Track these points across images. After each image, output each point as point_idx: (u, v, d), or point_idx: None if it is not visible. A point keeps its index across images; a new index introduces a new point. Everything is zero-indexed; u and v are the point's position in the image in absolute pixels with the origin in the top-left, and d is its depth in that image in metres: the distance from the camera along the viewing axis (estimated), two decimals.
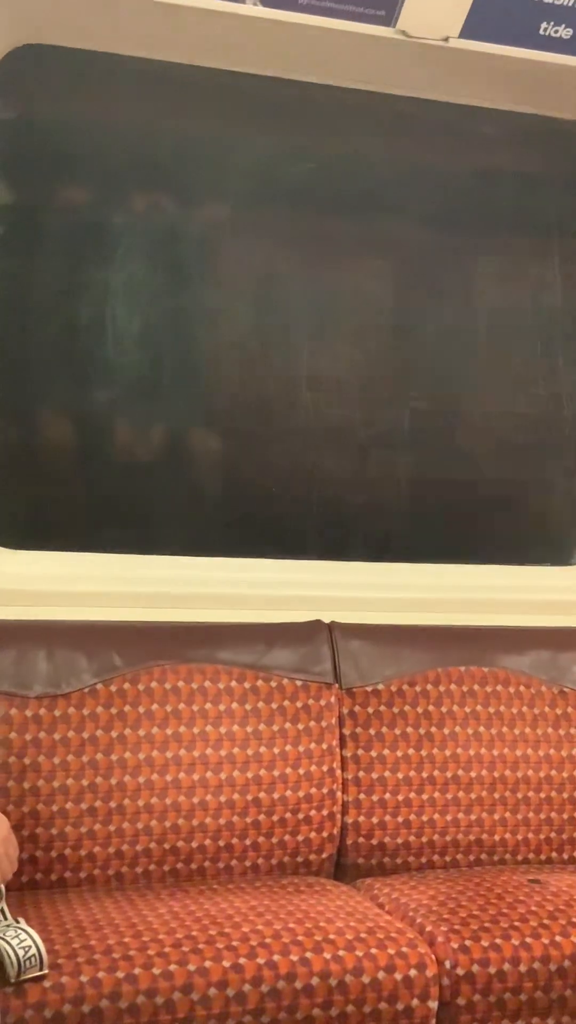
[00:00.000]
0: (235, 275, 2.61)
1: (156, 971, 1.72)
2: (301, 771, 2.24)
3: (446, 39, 2.36)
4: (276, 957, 1.78)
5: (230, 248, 2.60)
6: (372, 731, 2.31)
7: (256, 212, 2.60)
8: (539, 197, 2.75)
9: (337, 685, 2.34)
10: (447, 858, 2.30)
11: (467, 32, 2.35)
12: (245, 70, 2.45)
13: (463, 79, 2.48)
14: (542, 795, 2.37)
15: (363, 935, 1.86)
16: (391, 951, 1.84)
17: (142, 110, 2.51)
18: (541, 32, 2.38)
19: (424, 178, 2.68)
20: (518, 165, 2.73)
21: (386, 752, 2.31)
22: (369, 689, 2.35)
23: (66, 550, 2.46)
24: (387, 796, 2.28)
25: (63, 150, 2.45)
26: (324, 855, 2.24)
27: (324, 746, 2.27)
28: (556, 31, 2.38)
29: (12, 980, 1.64)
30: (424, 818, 2.29)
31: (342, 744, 2.30)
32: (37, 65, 2.36)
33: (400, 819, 2.28)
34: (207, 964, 1.75)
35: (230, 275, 2.61)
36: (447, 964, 1.87)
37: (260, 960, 1.77)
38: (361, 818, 2.27)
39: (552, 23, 2.38)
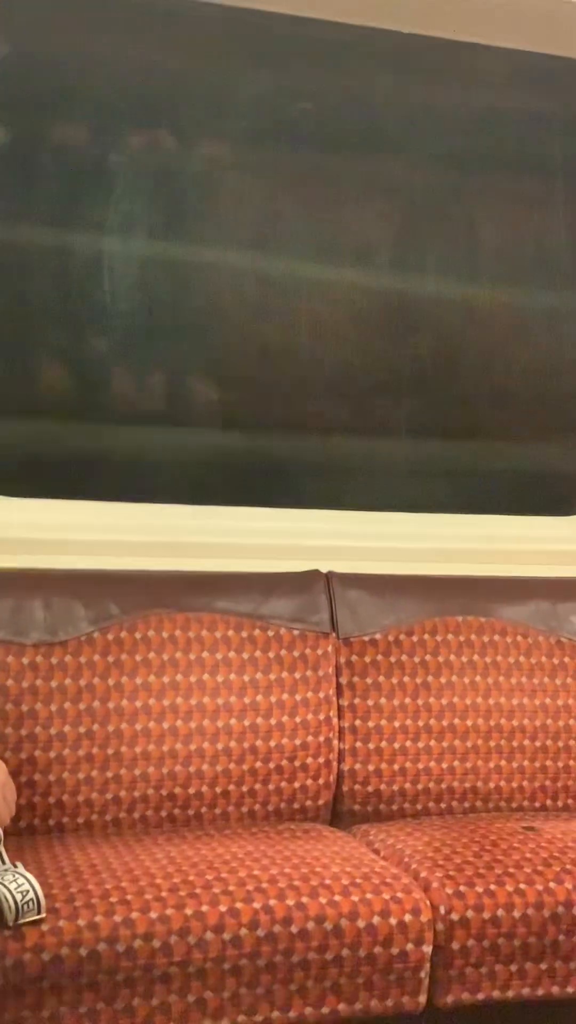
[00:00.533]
0: (233, 216, 2.56)
1: (153, 915, 1.73)
2: (298, 719, 2.24)
3: None
4: (272, 902, 1.80)
5: (228, 188, 2.54)
6: (369, 680, 2.32)
7: (254, 151, 2.54)
8: (544, 137, 2.70)
9: (334, 634, 2.34)
10: (442, 805, 2.32)
11: None
12: (244, 6, 2.38)
13: (468, 16, 2.42)
14: (537, 744, 2.38)
15: (358, 880, 1.88)
16: (386, 896, 1.86)
17: (137, 46, 2.44)
18: None
19: (426, 117, 2.62)
20: (523, 104, 2.67)
21: (383, 701, 2.31)
22: (366, 638, 2.35)
23: (63, 498, 2.44)
24: (383, 744, 2.29)
25: (58, 87, 2.40)
26: (320, 802, 2.26)
27: (321, 695, 2.28)
28: None
29: (10, 924, 1.66)
30: (420, 766, 2.30)
31: (339, 693, 2.30)
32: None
33: (396, 767, 2.29)
34: (204, 908, 1.76)
35: (227, 216, 2.56)
36: (441, 909, 1.88)
37: (256, 904, 1.79)
38: (357, 766, 2.28)
39: None
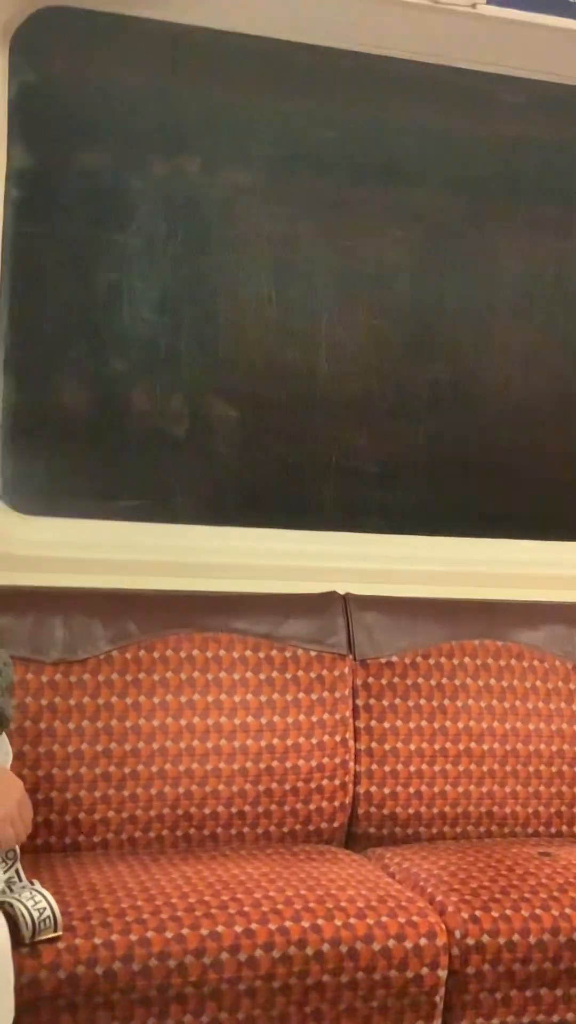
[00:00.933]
0: (254, 242, 2.59)
1: (169, 935, 1.74)
2: (314, 741, 2.25)
3: (474, 5, 2.33)
4: (288, 923, 1.80)
5: (250, 214, 2.57)
6: (385, 702, 2.32)
7: (276, 178, 2.57)
8: (565, 166, 2.72)
9: (351, 656, 2.34)
10: (458, 829, 2.31)
11: None
12: (268, 35, 2.42)
13: (491, 47, 2.45)
14: (553, 768, 2.38)
15: (374, 903, 1.88)
16: (401, 919, 1.86)
17: (162, 74, 2.48)
18: None
19: (447, 146, 2.65)
20: (544, 134, 2.69)
21: (399, 723, 2.31)
22: (383, 661, 2.35)
23: (83, 517, 2.46)
24: (399, 767, 2.29)
25: (84, 113, 2.43)
26: (335, 824, 2.26)
27: (337, 716, 2.28)
28: None
29: (27, 941, 1.66)
30: (435, 789, 2.30)
31: (355, 715, 2.31)
32: (59, 28, 2.33)
33: (412, 790, 2.29)
34: (219, 929, 1.76)
35: (249, 242, 2.59)
36: (457, 934, 1.88)
37: (272, 926, 1.79)
38: (373, 788, 2.28)
39: None
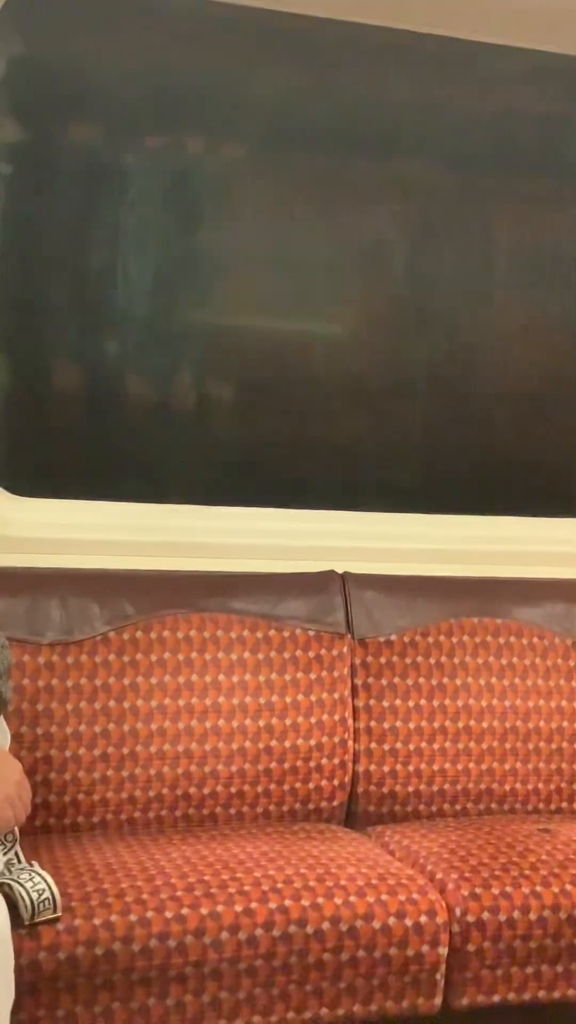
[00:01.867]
0: (249, 218, 2.56)
1: (168, 915, 1.74)
2: (313, 720, 2.24)
3: None
4: (287, 902, 1.80)
5: (242, 190, 2.55)
6: (384, 681, 2.32)
7: (269, 153, 2.54)
8: (561, 138, 2.69)
9: (349, 635, 2.33)
10: (457, 807, 2.31)
11: None
12: (260, 5, 2.38)
13: (486, 16, 2.41)
14: (553, 745, 2.37)
15: (374, 881, 1.88)
16: (402, 897, 1.86)
17: (153, 47, 2.45)
18: None
19: (443, 118, 2.62)
20: (539, 105, 2.67)
21: (398, 702, 2.31)
22: (382, 639, 2.34)
23: (79, 498, 2.45)
24: (398, 745, 2.29)
25: (75, 87, 2.40)
26: (335, 803, 2.25)
27: (336, 696, 2.27)
28: None
29: (26, 922, 1.66)
30: (435, 767, 2.30)
31: (354, 694, 2.30)
32: (47, 2, 2.30)
33: (411, 768, 2.29)
34: (219, 908, 1.76)
35: (244, 218, 2.56)
36: (457, 911, 1.88)
37: (272, 905, 1.79)
38: (372, 767, 2.27)
39: None
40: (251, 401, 2.66)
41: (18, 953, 1.62)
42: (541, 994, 1.91)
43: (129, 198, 2.49)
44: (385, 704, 2.30)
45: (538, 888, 1.93)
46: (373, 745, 2.28)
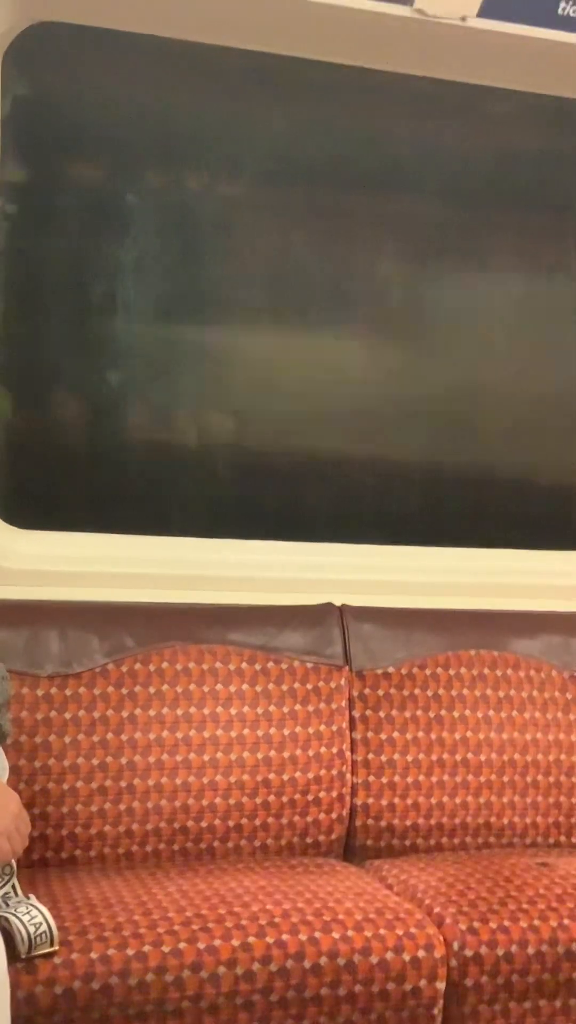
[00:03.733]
0: (248, 254, 2.60)
1: (166, 949, 1.73)
2: (311, 753, 2.24)
3: (463, 19, 2.34)
4: (285, 936, 1.79)
5: (243, 226, 2.58)
6: (382, 713, 2.32)
7: (270, 191, 2.58)
8: (556, 177, 2.73)
9: (347, 667, 2.34)
10: (456, 840, 2.31)
11: (485, 12, 2.33)
12: (260, 49, 2.43)
13: (480, 59, 2.46)
14: (551, 779, 2.37)
15: (372, 915, 1.87)
16: (399, 932, 1.85)
17: (155, 88, 2.49)
18: (560, 12, 2.36)
19: (439, 158, 2.66)
20: (535, 146, 2.71)
21: (396, 735, 2.31)
22: (379, 672, 2.35)
23: (79, 530, 2.46)
24: (396, 778, 2.29)
25: (77, 127, 2.44)
26: (333, 836, 2.25)
27: (334, 728, 2.28)
28: (574, 11, 2.36)
29: (23, 956, 1.65)
30: (433, 800, 2.29)
31: (352, 726, 2.30)
32: (52, 42, 2.35)
33: (409, 801, 2.28)
34: (216, 943, 1.76)
35: (243, 254, 2.60)
36: (455, 945, 1.87)
37: (269, 939, 1.78)
38: (370, 800, 2.27)
39: (571, 3, 2.35)
40: (250, 434, 2.67)
41: (15, 987, 1.62)
42: None
43: (130, 234, 2.52)
44: (383, 737, 2.30)
45: (536, 922, 1.92)
46: (371, 778, 2.28)
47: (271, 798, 2.20)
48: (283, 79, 2.51)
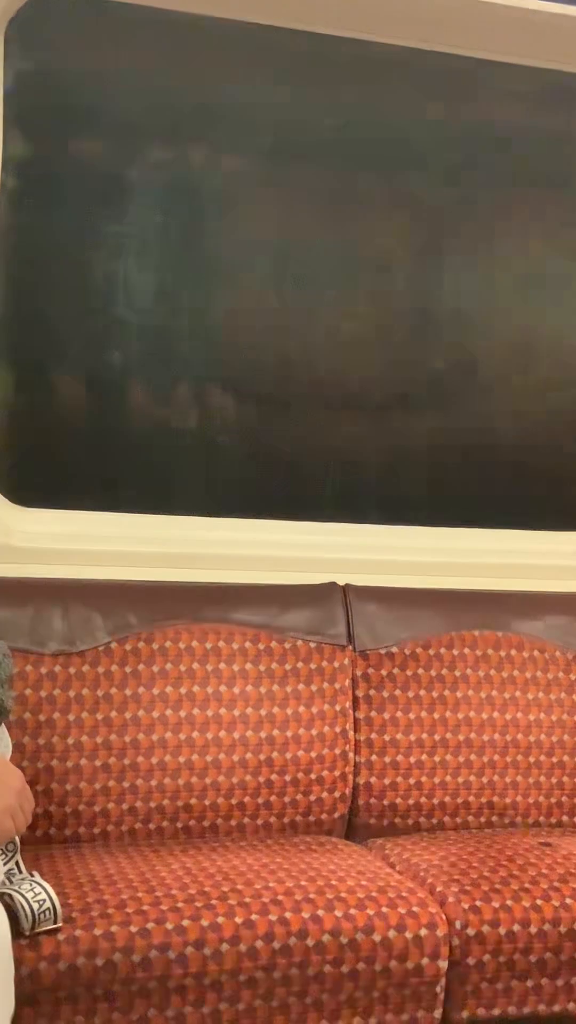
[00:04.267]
0: (253, 231, 2.58)
1: (169, 926, 1.74)
2: (314, 732, 2.24)
3: None
4: (288, 914, 1.80)
5: (249, 203, 2.56)
6: (385, 693, 2.32)
7: (275, 166, 2.56)
8: (564, 154, 2.70)
9: (351, 647, 2.34)
10: (458, 820, 2.31)
11: None
12: (266, 22, 2.40)
13: (489, 33, 2.43)
14: (554, 759, 2.37)
15: (374, 894, 1.88)
16: (402, 910, 1.86)
17: (159, 62, 2.46)
18: None
19: (445, 134, 2.63)
20: (542, 122, 2.68)
21: (399, 714, 2.31)
22: (383, 652, 2.35)
23: (82, 509, 2.46)
24: (399, 758, 2.29)
25: (81, 101, 2.42)
26: (336, 815, 2.25)
27: (337, 708, 2.28)
28: None
29: (27, 933, 1.66)
30: (435, 780, 2.30)
31: (355, 706, 2.30)
32: (56, 15, 2.32)
33: (412, 781, 2.29)
34: (219, 920, 1.76)
35: (248, 231, 2.58)
36: (457, 924, 1.88)
37: (272, 917, 1.79)
38: (373, 779, 2.28)
39: None
40: (253, 413, 2.66)
41: (18, 963, 1.62)
42: (541, 1008, 1.91)
43: (133, 211, 2.50)
44: (386, 716, 2.31)
45: (538, 901, 1.93)
46: (374, 757, 2.28)
47: (274, 777, 2.20)
48: (289, 53, 2.48)
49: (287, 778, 2.21)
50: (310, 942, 1.79)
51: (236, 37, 2.43)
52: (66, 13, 2.34)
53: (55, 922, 1.68)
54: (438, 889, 1.95)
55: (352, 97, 2.56)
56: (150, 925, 1.73)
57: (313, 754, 2.23)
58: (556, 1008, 1.92)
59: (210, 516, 2.54)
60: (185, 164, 2.53)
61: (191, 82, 2.48)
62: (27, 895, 1.67)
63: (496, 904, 1.91)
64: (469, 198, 2.68)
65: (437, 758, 2.30)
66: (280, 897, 1.82)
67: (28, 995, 1.65)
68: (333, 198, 2.60)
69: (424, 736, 2.31)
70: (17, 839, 1.76)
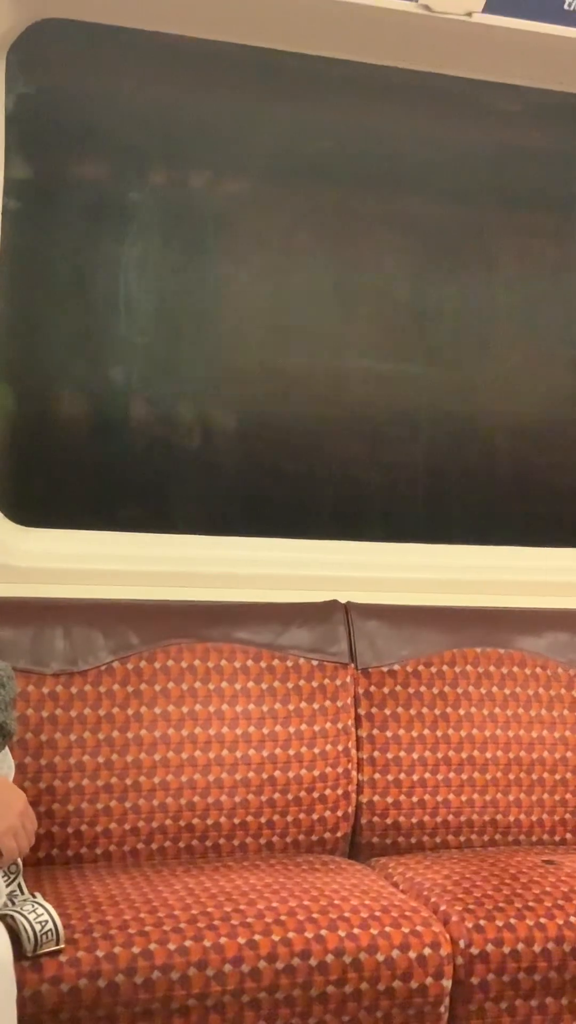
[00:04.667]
0: (251, 252, 2.59)
1: (172, 947, 1.73)
2: (316, 750, 2.24)
3: (469, 14, 2.33)
4: (291, 934, 1.79)
5: (247, 224, 2.58)
6: (387, 711, 2.32)
7: (274, 188, 2.58)
8: (561, 174, 2.72)
9: (353, 665, 2.34)
10: (461, 838, 2.30)
11: (490, 7, 2.32)
12: (264, 44, 2.42)
13: (486, 55, 2.45)
14: (557, 776, 2.37)
15: (378, 913, 1.87)
16: (405, 929, 1.85)
17: (160, 85, 2.49)
18: (566, 7, 2.35)
19: (444, 155, 2.65)
20: (540, 142, 2.70)
21: (401, 732, 2.31)
22: (385, 669, 2.35)
23: (84, 528, 2.46)
24: (402, 776, 2.29)
25: (81, 125, 2.44)
26: (339, 834, 2.25)
27: (339, 726, 2.27)
28: None
29: (29, 954, 1.66)
30: (438, 798, 2.29)
31: (357, 724, 2.30)
32: (56, 40, 2.34)
33: (415, 799, 2.28)
34: (222, 940, 1.76)
35: (247, 252, 2.59)
36: (461, 943, 1.87)
37: (275, 937, 1.78)
38: (376, 797, 2.27)
39: None
40: (255, 431, 2.67)
41: (21, 985, 1.62)
42: None
43: (133, 232, 2.52)
44: (388, 734, 2.30)
45: (542, 920, 1.92)
46: (377, 775, 2.28)
47: (276, 795, 2.20)
48: (288, 76, 2.50)
49: (289, 797, 2.20)
50: (313, 962, 1.78)
51: (235, 60, 2.45)
52: (67, 38, 2.36)
53: (57, 943, 1.68)
54: (442, 908, 1.94)
55: (350, 120, 2.57)
56: (152, 946, 1.72)
57: (316, 772, 2.23)
58: None
59: (212, 535, 2.54)
60: (184, 186, 2.55)
61: (190, 105, 2.50)
62: (29, 916, 1.67)
63: (500, 923, 1.90)
64: (468, 218, 2.69)
65: (440, 776, 2.30)
66: (283, 917, 1.82)
67: (30, 1017, 1.64)
68: (330, 218, 2.61)
69: (427, 754, 2.30)
70: (20, 860, 1.75)
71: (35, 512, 2.45)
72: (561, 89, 2.59)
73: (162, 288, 2.55)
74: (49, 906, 1.70)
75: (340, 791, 2.24)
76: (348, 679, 2.32)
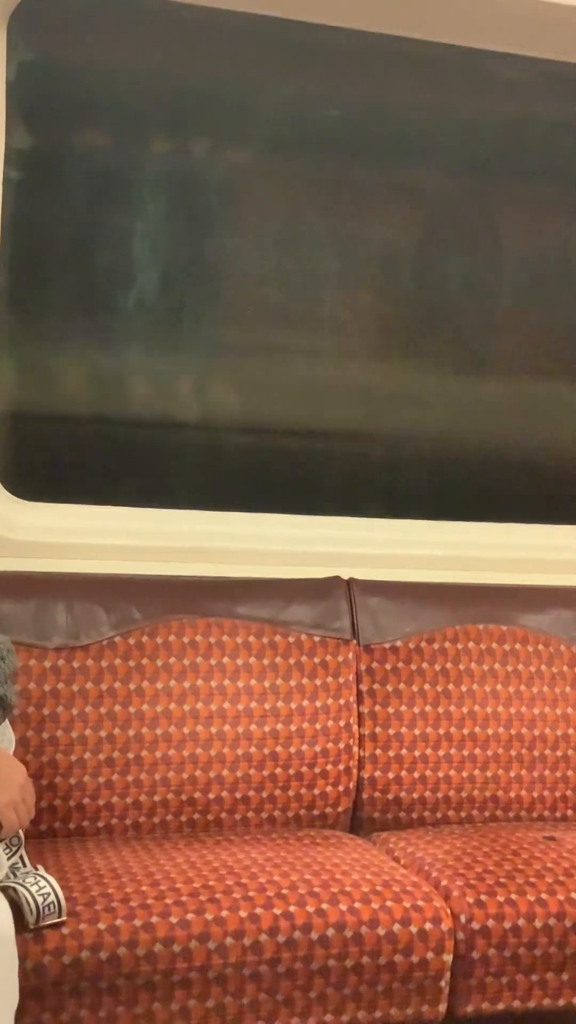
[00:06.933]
0: (256, 222, 2.57)
1: (173, 919, 1.73)
2: (318, 726, 2.24)
3: None
4: (292, 908, 1.79)
5: (251, 194, 2.55)
6: (389, 687, 2.31)
7: (278, 158, 2.55)
8: (568, 145, 2.69)
9: (355, 641, 2.33)
10: (462, 814, 2.31)
11: None
12: (269, 13, 2.39)
13: (493, 24, 2.42)
14: (559, 753, 2.37)
15: (379, 888, 1.87)
16: (407, 904, 1.85)
17: (162, 53, 2.46)
18: None
19: (450, 125, 2.62)
20: (547, 113, 2.67)
21: (403, 708, 2.31)
22: (387, 646, 2.34)
23: (85, 503, 2.45)
24: (403, 752, 2.29)
25: (84, 93, 2.41)
26: (340, 809, 2.25)
27: (341, 702, 2.27)
28: None
29: (31, 926, 1.66)
30: (440, 774, 2.29)
31: (359, 700, 2.30)
32: (58, 6, 2.31)
33: (416, 775, 2.28)
34: (224, 914, 1.76)
35: (251, 222, 2.57)
36: (462, 918, 1.88)
37: (276, 910, 1.79)
38: (377, 773, 2.27)
39: None
40: (257, 406, 2.66)
41: (23, 957, 1.63)
42: (546, 1002, 1.91)
43: (137, 203, 2.49)
44: (390, 710, 2.30)
45: (543, 896, 1.92)
46: (378, 751, 2.28)
47: (278, 771, 2.20)
48: (293, 45, 2.47)
49: (291, 772, 2.21)
50: (314, 936, 1.78)
51: (239, 28, 2.42)
52: (69, 4, 2.33)
53: (59, 916, 1.68)
54: (443, 883, 1.94)
55: (355, 89, 2.54)
56: (154, 919, 1.73)
57: (317, 748, 2.23)
58: (561, 1002, 1.91)
59: (214, 510, 2.53)
60: (188, 155, 2.52)
61: (195, 73, 2.47)
62: (31, 889, 1.67)
63: (501, 898, 1.90)
64: (474, 189, 2.66)
65: (441, 752, 2.30)
66: (284, 891, 1.82)
67: (33, 989, 1.65)
68: (335, 189, 2.58)
69: (428, 730, 2.30)
70: (21, 833, 1.75)
71: (37, 486, 2.44)
72: (568, 60, 2.55)
73: (165, 258, 2.53)
74: (51, 878, 1.70)
75: (342, 766, 2.25)
76: (350, 655, 2.32)
